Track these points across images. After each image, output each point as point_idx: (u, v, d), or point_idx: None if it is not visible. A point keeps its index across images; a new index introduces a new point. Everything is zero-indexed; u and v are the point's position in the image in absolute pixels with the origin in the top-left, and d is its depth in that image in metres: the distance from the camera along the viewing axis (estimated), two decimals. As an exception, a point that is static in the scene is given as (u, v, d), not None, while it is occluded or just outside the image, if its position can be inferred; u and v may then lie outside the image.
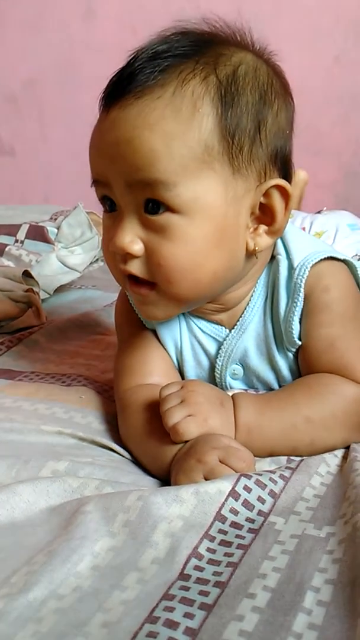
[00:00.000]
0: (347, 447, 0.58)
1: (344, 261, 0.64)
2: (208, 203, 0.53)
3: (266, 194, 0.56)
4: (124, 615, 0.37)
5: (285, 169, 0.58)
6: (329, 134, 1.81)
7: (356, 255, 0.89)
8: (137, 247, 0.54)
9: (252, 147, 0.54)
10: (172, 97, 0.52)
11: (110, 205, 0.57)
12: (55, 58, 1.99)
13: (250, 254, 0.58)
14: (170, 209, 0.53)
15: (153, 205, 0.53)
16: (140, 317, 0.67)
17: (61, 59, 1.97)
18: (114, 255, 0.57)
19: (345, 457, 0.56)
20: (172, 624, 0.35)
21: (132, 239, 0.54)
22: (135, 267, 0.55)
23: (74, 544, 0.42)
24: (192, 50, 0.54)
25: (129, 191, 0.54)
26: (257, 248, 0.57)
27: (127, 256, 0.55)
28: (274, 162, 0.56)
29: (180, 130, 0.52)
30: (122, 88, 0.53)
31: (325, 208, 1.12)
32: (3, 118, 2.10)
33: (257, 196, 0.56)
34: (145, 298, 0.57)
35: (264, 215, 0.57)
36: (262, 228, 0.57)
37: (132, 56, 0.54)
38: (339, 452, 0.57)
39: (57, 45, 1.99)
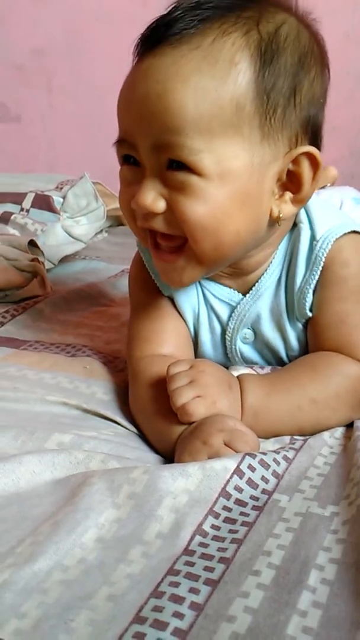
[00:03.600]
0: (350, 425, 0.58)
1: None
2: (231, 168, 0.52)
3: (295, 161, 0.55)
4: (130, 589, 0.37)
5: (315, 140, 0.57)
6: (335, 111, 1.77)
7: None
8: (160, 205, 0.54)
9: (285, 110, 0.53)
10: (210, 47, 0.50)
11: (133, 159, 0.55)
12: (64, 28, 1.94)
13: (273, 221, 0.57)
14: (193, 171, 0.52)
15: (177, 164, 0.52)
16: (158, 283, 0.66)
17: (70, 29, 1.93)
18: (133, 212, 0.56)
19: (348, 437, 0.57)
20: (177, 599, 0.36)
21: (154, 197, 0.53)
22: (159, 224, 0.55)
23: (79, 515, 0.42)
24: (235, 4, 0.52)
25: (154, 150, 0.53)
26: (281, 215, 0.56)
27: (150, 213, 0.54)
28: (306, 130, 0.56)
29: (213, 85, 0.50)
30: (160, 35, 0.52)
31: (329, 183, 1.10)
32: (11, 86, 2.06)
33: (285, 163, 0.55)
34: (172, 265, 0.57)
35: (291, 182, 0.56)
36: (288, 195, 0.56)
37: (173, 5, 0.53)
38: (340, 431, 0.57)
39: (65, 15, 1.94)
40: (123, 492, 0.45)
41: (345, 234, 0.60)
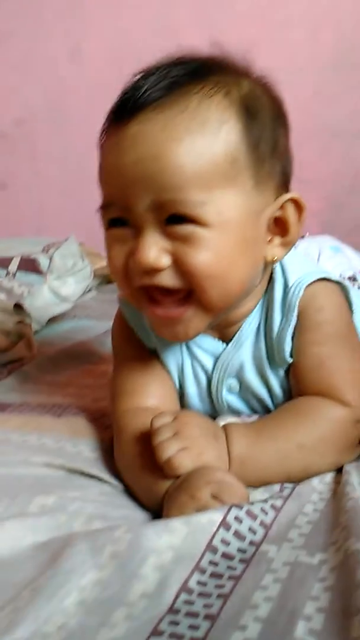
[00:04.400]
0: (339, 470, 0.58)
1: (338, 283, 0.64)
2: (232, 216, 0.54)
3: (281, 207, 0.58)
4: (111, 653, 0.35)
5: (288, 188, 0.60)
6: (312, 165, 1.84)
7: (340, 276, 0.90)
8: (165, 260, 0.54)
9: (271, 160, 0.56)
10: (197, 109, 0.52)
11: (120, 222, 0.55)
12: (45, 97, 2.02)
13: (266, 265, 0.60)
14: (195, 223, 0.53)
15: (177, 218, 0.53)
16: (141, 337, 0.66)
17: (50, 98, 2.01)
18: (127, 272, 0.56)
19: (338, 481, 0.56)
20: (160, 661, 0.34)
21: (157, 253, 0.53)
22: (166, 279, 0.54)
23: (61, 578, 0.41)
24: (206, 71, 0.55)
25: (152, 210, 0.53)
26: (275, 258, 0.59)
27: (153, 270, 0.54)
28: (285, 179, 0.59)
29: (207, 143, 0.52)
30: (140, 102, 0.53)
31: (307, 233, 1.13)
32: (-4, 155, 2.12)
33: (274, 209, 0.57)
34: (178, 319, 0.56)
35: (278, 227, 0.59)
36: (277, 240, 0.59)
37: (142, 74, 0.54)
38: (329, 476, 0.56)
39: (46, 84, 2.02)
40: (106, 552, 0.44)
41: (316, 281, 0.62)
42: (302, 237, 1.09)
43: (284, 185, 0.59)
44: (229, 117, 0.53)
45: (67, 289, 1.30)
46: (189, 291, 0.55)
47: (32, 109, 2.05)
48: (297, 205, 0.58)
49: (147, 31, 1.85)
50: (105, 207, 0.56)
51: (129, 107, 0.53)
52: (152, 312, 0.57)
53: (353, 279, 0.90)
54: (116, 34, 1.93)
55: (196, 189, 0.52)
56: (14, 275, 1.35)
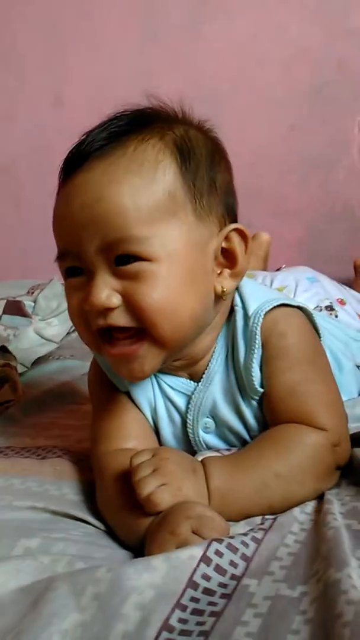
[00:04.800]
0: (320, 498, 0.58)
1: (299, 308, 0.65)
2: (176, 249, 0.56)
3: (227, 239, 0.60)
4: None
5: (235, 220, 0.62)
6: (291, 196, 1.88)
7: (318, 306, 0.91)
8: (115, 299, 0.56)
9: (210, 195, 0.59)
10: (134, 153, 0.56)
11: (75, 271, 0.58)
12: (28, 144, 2.06)
13: (218, 298, 0.61)
14: (142, 259, 0.55)
15: (124, 257, 0.55)
16: (114, 381, 0.67)
17: (34, 145, 2.05)
18: (85, 317, 0.58)
19: (318, 510, 0.56)
20: None
21: (109, 292, 0.56)
22: (118, 318, 0.56)
23: (43, 622, 0.41)
24: (143, 121, 0.59)
25: (101, 252, 0.55)
26: (224, 290, 0.60)
27: (106, 311, 0.56)
28: (228, 212, 0.61)
29: (145, 182, 0.55)
30: (83, 155, 0.56)
31: (284, 265, 1.15)
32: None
33: (219, 241, 0.59)
34: (133, 355, 0.58)
35: (226, 259, 0.61)
36: (226, 272, 0.61)
37: (86, 133, 0.58)
38: (311, 505, 0.57)
39: (29, 131, 2.06)
40: (87, 593, 0.44)
41: (275, 307, 0.63)
42: (279, 269, 1.11)
43: (230, 218, 0.62)
44: (163, 157, 0.57)
45: (52, 330, 1.31)
46: (142, 328, 0.57)
47: (15, 157, 2.09)
48: (242, 235, 0.60)
49: (125, 76, 1.90)
50: (59, 258, 0.59)
51: (74, 161, 0.57)
52: (109, 352, 0.59)
53: (330, 308, 0.92)
54: (96, 80, 1.99)
55: (139, 226, 0.54)
56: (0, 318, 1.36)
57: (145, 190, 0.55)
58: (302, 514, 0.55)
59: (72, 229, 0.56)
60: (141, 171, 0.55)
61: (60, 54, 2.03)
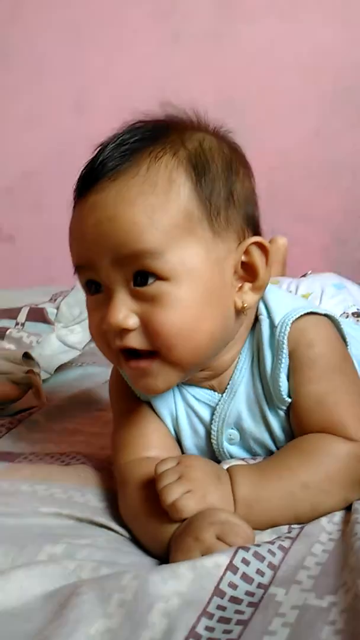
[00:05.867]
0: (349, 508, 0.57)
1: (326, 316, 0.65)
2: (194, 267, 0.55)
3: (246, 252, 0.59)
4: None
5: (257, 232, 0.61)
6: (316, 202, 1.87)
7: (344, 313, 0.90)
8: (132, 321, 0.55)
9: (227, 210, 0.58)
10: (147, 173, 0.55)
11: (95, 287, 0.58)
12: (50, 150, 2.08)
13: (239, 312, 0.60)
14: (159, 277, 0.55)
15: (142, 277, 0.55)
16: (134, 390, 0.67)
17: (55, 151, 2.07)
18: (105, 335, 0.58)
19: (347, 521, 0.55)
20: None
21: (126, 313, 0.55)
22: (133, 340, 0.56)
23: (69, 628, 0.41)
24: (156, 134, 0.58)
25: (116, 268, 0.55)
26: (245, 305, 0.59)
27: (123, 331, 0.56)
28: (248, 224, 0.60)
29: (159, 201, 0.54)
30: (96, 174, 0.56)
31: (310, 271, 1.14)
32: (2, 208, 2.17)
33: (238, 255, 0.58)
34: (146, 371, 0.58)
35: (247, 273, 0.59)
36: (247, 285, 0.60)
37: (99, 148, 0.58)
38: (339, 515, 0.56)
39: (51, 138, 2.08)
40: (113, 600, 0.44)
41: (303, 316, 0.62)
42: (304, 275, 1.10)
43: (251, 229, 0.60)
44: (177, 176, 0.55)
45: (75, 337, 1.31)
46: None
47: (37, 162, 2.11)
48: (262, 248, 0.59)
49: (147, 81, 1.91)
50: (77, 270, 0.59)
51: (88, 181, 0.57)
52: (127, 366, 0.59)
53: (357, 314, 0.91)
54: (117, 85, 2.00)
55: (155, 241, 0.54)
56: (23, 325, 1.37)
57: (160, 210, 0.54)
58: (329, 524, 0.55)
59: (86, 245, 0.56)
60: (155, 192, 0.54)
61: (81, 59, 2.05)
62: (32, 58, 2.09)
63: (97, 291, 0.58)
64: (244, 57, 1.89)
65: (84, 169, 0.58)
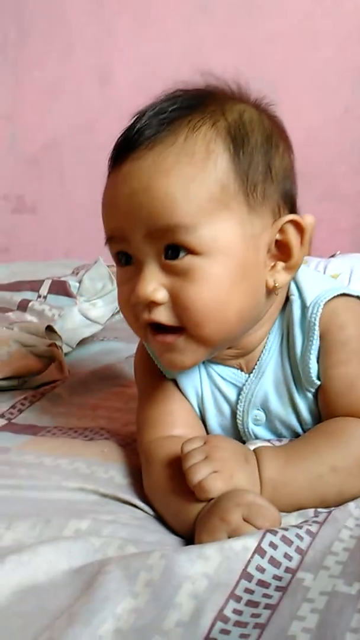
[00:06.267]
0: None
1: (358, 297, 0.63)
2: (227, 242, 0.54)
3: (281, 230, 0.57)
4: None
5: (293, 209, 0.59)
6: (344, 182, 1.83)
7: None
8: (162, 295, 0.55)
9: (264, 184, 0.56)
10: (185, 143, 0.53)
11: (125, 259, 0.57)
12: (74, 121, 2.06)
13: (270, 292, 0.58)
14: (191, 252, 0.53)
15: (173, 250, 0.54)
16: (160, 367, 0.67)
17: (80, 122, 2.05)
18: (133, 308, 0.57)
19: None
20: None
21: (156, 286, 0.54)
22: (162, 315, 0.55)
23: (96, 606, 0.41)
24: (195, 103, 0.56)
25: (148, 240, 0.54)
26: (277, 284, 0.58)
27: (152, 305, 0.55)
28: (285, 201, 0.58)
29: (195, 173, 0.53)
30: (132, 143, 0.55)
31: (339, 252, 1.12)
32: (25, 179, 2.16)
33: (273, 233, 0.57)
34: (172, 346, 0.57)
35: (280, 251, 0.58)
36: (280, 265, 0.58)
37: (137, 115, 0.56)
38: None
39: (75, 109, 2.06)
40: (140, 579, 0.43)
41: (335, 297, 0.61)
42: (333, 255, 1.08)
43: (288, 206, 0.58)
44: (215, 146, 0.54)
45: (97, 311, 1.30)
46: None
47: (61, 134, 2.10)
48: (298, 227, 0.57)
49: (174, 53, 1.88)
50: (108, 241, 0.58)
51: (124, 149, 0.55)
52: (154, 340, 0.58)
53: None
54: (144, 58, 1.97)
55: (188, 215, 0.53)
56: (45, 298, 1.37)
57: (196, 181, 0.53)
58: (357, 509, 0.54)
59: (119, 216, 0.55)
60: (192, 162, 0.53)
61: (108, 30, 2.01)
62: (58, 28, 2.06)
63: (127, 263, 0.57)
64: (274, 31, 1.84)
65: (120, 137, 0.57)
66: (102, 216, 0.58)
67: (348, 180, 1.83)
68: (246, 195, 0.55)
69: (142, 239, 0.54)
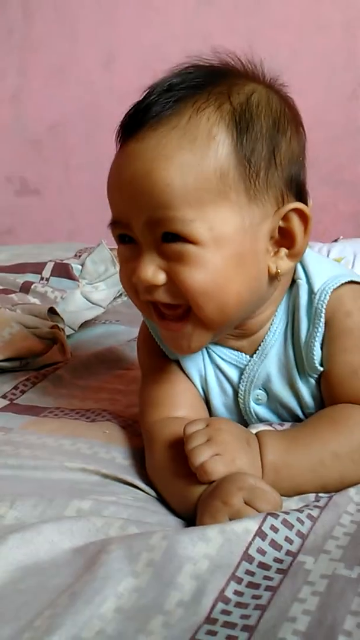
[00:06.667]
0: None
1: None
2: (224, 233, 0.54)
3: (285, 218, 0.57)
4: (149, 661, 0.35)
5: (300, 195, 0.59)
6: (348, 166, 1.82)
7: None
8: (160, 277, 0.55)
9: (268, 172, 0.55)
10: (187, 125, 0.53)
11: (128, 238, 0.57)
12: (79, 104, 2.05)
13: (273, 277, 0.58)
14: (187, 240, 0.53)
15: (171, 236, 0.54)
16: (163, 348, 0.67)
17: (84, 105, 2.03)
18: (135, 287, 0.58)
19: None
20: (198, 671, 0.34)
21: (154, 270, 0.55)
22: (161, 295, 0.56)
23: (97, 584, 0.41)
24: (205, 81, 0.55)
25: (147, 227, 0.54)
26: (279, 271, 0.57)
27: (152, 286, 0.56)
28: (290, 188, 0.57)
29: (196, 159, 0.52)
30: (138, 120, 0.54)
31: (341, 236, 1.11)
32: (29, 161, 2.15)
33: (275, 221, 0.56)
34: (179, 332, 0.57)
35: (284, 238, 0.57)
36: (283, 251, 0.58)
37: (147, 90, 0.56)
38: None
39: (80, 91, 2.04)
40: (142, 559, 0.44)
41: (343, 285, 0.60)
42: (336, 240, 1.08)
43: (293, 192, 0.57)
44: (217, 131, 0.53)
45: (99, 294, 1.30)
46: (189, 307, 0.56)
47: (65, 116, 2.08)
48: (302, 215, 0.57)
49: (179, 37, 1.86)
50: (112, 224, 0.58)
51: (130, 127, 0.55)
52: (161, 326, 0.59)
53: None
54: (148, 41, 1.95)
55: (186, 207, 0.52)
56: (48, 280, 1.36)
57: (195, 168, 0.52)
58: (357, 495, 0.54)
59: (122, 201, 0.56)
60: (193, 147, 0.53)
61: (112, 15, 1.99)
62: (63, 12, 2.04)
63: (130, 241, 0.57)
64: (280, 15, 1.82)
65: (129, 110, 0.56)
66: (108, 197, 0.58)
67: (351, 165, 1.82)
68: (247, 183, 0.54)
69: (142, 225, 0.55)
